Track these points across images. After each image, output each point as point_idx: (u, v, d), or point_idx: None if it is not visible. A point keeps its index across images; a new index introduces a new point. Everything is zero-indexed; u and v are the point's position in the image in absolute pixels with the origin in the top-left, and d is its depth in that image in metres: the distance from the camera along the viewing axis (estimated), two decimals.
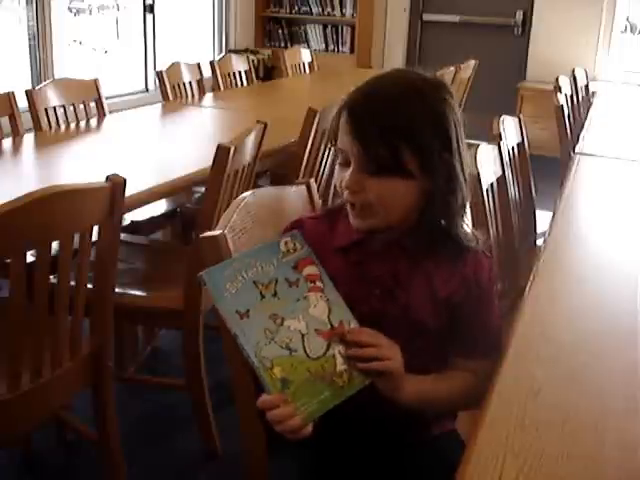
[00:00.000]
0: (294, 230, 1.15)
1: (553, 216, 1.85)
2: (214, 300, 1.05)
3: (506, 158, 2.13)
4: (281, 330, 1.04)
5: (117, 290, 1.82)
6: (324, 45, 6.31)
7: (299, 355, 1.04)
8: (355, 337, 1.06)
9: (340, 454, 1.22)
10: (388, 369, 1.06)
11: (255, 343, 1.02)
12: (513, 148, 2.32)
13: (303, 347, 1.04)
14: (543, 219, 2.27)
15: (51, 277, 1.50)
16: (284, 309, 1.06)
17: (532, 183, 2.46)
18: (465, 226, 1.17)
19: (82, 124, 2.88)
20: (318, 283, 1.09)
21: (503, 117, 2.26)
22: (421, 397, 1.12)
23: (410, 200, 1.09)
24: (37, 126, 2.67)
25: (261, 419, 1.26)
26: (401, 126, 1.05)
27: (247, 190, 1.80)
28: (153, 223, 2.70)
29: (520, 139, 2.42)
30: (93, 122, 2.93)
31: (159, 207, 2.68)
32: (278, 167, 2.78)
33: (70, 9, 4.85)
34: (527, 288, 1.37)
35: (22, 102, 2.65)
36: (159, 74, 3.48)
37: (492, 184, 1.90)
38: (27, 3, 4.28)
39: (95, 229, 1.58)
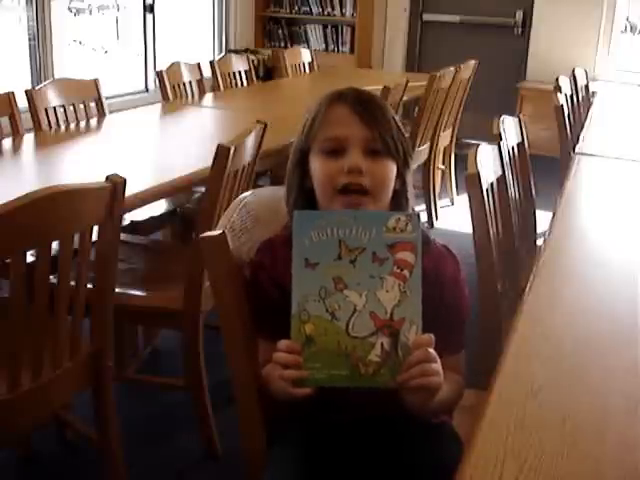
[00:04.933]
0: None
1: (553, 216, 1.85)
2: (293, 241, 1.03)
3: (506, 158, 2.13)
4: (336, 296, 1.02)
5: (117, 290, 1.82)
6: (324, 45, 6.31)
7: (339, 325, 1.02)
8: (416, 345, 1.03)
9: (333, 444, 1.22)
10: (430, 386, 1.04)
11: (304, 294, 1.02)
12: (513, 148, 2.31)
13: (348, 321, 1.02)
14: (543, 219, 2.27)
15: (51, 277, 1.50)
16: (352, 279, 1.02)
17: (532, 183, 2.46)
18: None
19: (82, 124, 2.88)
20: (405, 272, 1.03)
21: (503, 117, 2.26)
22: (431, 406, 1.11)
23: (393, 182, 1.20)
24: (37, 126, 2.67)
25: (261, 409, 1.26)
26: (393, 116, 1.21)
27: (247, 190, 1.80)
28: (153, 223, 2.70)
29: (520, 139, 2.42)
30: (93, 122, 2.93)
31: (159, 207, 2.68)
32: (278, 167, 2.78)
33: (70, 9, 4.85)
34: (527, 288, 1.37)
35: (22, 102, 2.65)
36: (159, 74, 3.48)
37: (492, 184, 1.90)
38: (27, 3, 4.28)
39: (95, 229, 1.58)
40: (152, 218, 2.62)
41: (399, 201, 1.22)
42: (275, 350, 1.05)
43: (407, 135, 1.24)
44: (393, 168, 1.19)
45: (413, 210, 1.25)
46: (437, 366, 1.04)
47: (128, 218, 2.40)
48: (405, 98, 3.47)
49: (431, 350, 1.03)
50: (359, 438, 1.22)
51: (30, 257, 1.49)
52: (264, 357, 1.21)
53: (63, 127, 2.80)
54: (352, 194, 1.15)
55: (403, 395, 1.06)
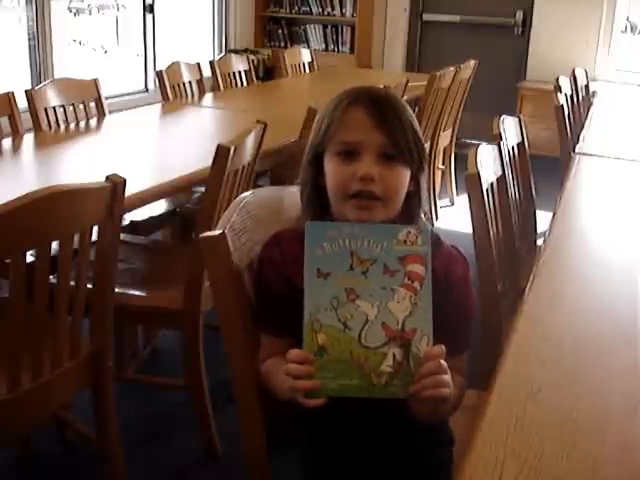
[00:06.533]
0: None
1: (553, 216, 1.85)
2: (305, 250, 1.03)
3: (506, 158, 2.13)
4: (349, 306, 1.02)
5: (117, 290, 1.82)
6: (324, 45, 6.31)
7: (351, 335, 1.02)
8: (428, 357, 1.03)
9: (334, 443, 1.22)
10: (441, 397, 1.04)
11: (316, 304, 1.02)
12: (513, 148, 2.31)
13: (360, 331, 1.02)
14: (543, 219, 2.27)
15: (51, 277, 1.50)
16: (364, 289, 1.03)
17: (532, 183, 2.46)
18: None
19: (82, 124, 2.88)
20: (416, 284, 1.04)
21: (503, 117, 2.26)
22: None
23: (405, 188, 1.19)
24: (37, 126, 2.67)
25: (263, 416, 1.26)
26: (410, 120, 1.18)
27: (247, 190, 1.80)
28: (153, 223, 2.70)
29: (520, 139, 2.42)
30: (93, 122, 2.93)
31: (159, 207, 2.68)
32: (278, 167, 2.78)
33: (70, 9, 4.85)
34: (527, 288, 1.37)
35: (22, 102, 2.65)
36: (159, 74, 3.48)
37: (492, 184, 1.90)
38: (27, 3, 4.27)
39: (95, 229, 1.58)
40: (152, 218, 2.62)
41: (411, 203, 1.21)
42: (280, 346, 1.05)
43: (422, 137, 1.22)
44: (406, 174, 1.18)
45: (426, 217, 1.24)
46: (448, 378, 1.04)
47: (128, 218, 2.40)
48: (405, 98, 3.46)
49: (442, 362, 1.03)
50: (359, 437, 1.23)
51: (30, 257, 1.49)
52: (266, 352, 1.22)
53: (63, 127, 2.80)
54: (363, 198, 1.15)
55: (412, 405, 1.06)
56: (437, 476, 1.21)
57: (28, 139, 2.57)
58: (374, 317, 1.02)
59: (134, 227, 2.49)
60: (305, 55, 4.95)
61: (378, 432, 1.22)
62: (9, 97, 2.58)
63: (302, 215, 1.23)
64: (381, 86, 1.29)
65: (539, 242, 2.41)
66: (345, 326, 1.02)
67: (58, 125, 2.79)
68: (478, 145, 1.85)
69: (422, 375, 1.02)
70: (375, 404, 1.17)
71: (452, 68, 3.96)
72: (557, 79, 3.46)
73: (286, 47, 6.16)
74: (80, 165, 2.33)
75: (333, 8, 6.20)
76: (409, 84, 3.43)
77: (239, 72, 4.16)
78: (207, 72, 3.87)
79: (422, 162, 1.20)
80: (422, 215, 1.22)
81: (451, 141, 4.44)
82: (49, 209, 1.41)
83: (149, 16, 5.21)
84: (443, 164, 4.48)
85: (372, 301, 1.03)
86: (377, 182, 1.14)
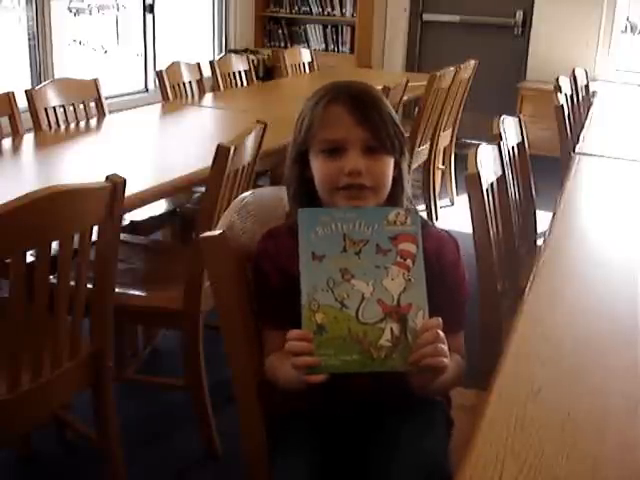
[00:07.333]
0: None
1: (553, 216, 1.85)
2: (299, 236, 1.06)
3: (506, 158, 2.13)
4: (344, 285, 1.05)
5: (117, 290, 1.82)
6: (324, 45, 6.31)
7: (348, 312, 1.04)
8: (425, 328, 1.05)
9: (334, 437, 1.23)
10: (439, 366, 1.06)
11: (313, 285, 1.04)
12: (513, 148, 2.31)
13: (357, 308, 1.04)
14: (543, 219, 2.27)
15: (51, 277, 1.50)
16: (359, 269, 1.06)
17: (532, 183, 2.46)
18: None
19: (82, 124, 2.88)
20: (408, 262, 1.07)
21: (503, 117, 2.26)
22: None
23: (391, 175, 1.23)
24: (37, 126, 2.67)
25: (261, 416, 1.26)
26: (388, 112, 1.22)
27: (247, 190, 1.80)
28: (153, 223, 2.70)
29: (520, 139, 2.42)
30: (93, 122, 2.93)
31: (159, 207, 2.68)
32: (278, 167, 2.78)
33: (70, 9, 4.85)
34: (527, 288, 1.37)
35: (22, 102, 2.65)
36: (159, 74, 3.48)
37: (492, 184, 1.90)
38: (27, 3, 4.27)
39: (95, 229, 1.58)
40: (152, 218, 2.62)
41: (395, 188, 1.25)
42: (282, 339, 1.07)
43: (401, 125, 1.26)
44: (390, 162, 1.22)
45: (411, 202, 1.28)
46: (446, 347, 1.06)
47: (128, 218, 2.40)
48: (405, 98, 3.47)
49: (440, 332, 1.05)
50: (358, 431, 1.24)
51: (30, 257, 1.49)
52: (269, 348, 1.23)
53: (63, 127, 2.80)
54: (353, 190, 1.19)
55: (411, 378, 1.09)
56: (435, 452, 1.21)
57: (28, 139, 2.57)
58: (370, 294, 1.05)
59: (134, 227, 2.49)
60: (305, 55, 4.95)
61: (376, 424, 1.23)
62: (9, 97, 2.58)
63: (291, 211, 1.26)
64: (379, 87, 1.31)
65: (539, 242, 2.41)
66: (342, 305, 1.04)
67: (58, 125, 2.78)
68: (478, 145, 1.85)
69: (420, 345, 1.04)
70: (372, 398, 1.18)
71: (452, 68, 3.95)
72: (557, 79, 3.45)
73: (286, 47, 6.16)
74: (80, 165, 2.33)
75: (333, 8, 6.20)
76: (409, 84, 3.43)
77: (239, 72, 4.16)
78: (207, 72, 3.87)
79: (403, 149, 1.24)
80: (405, 200, 1.26)
81: (451, 141, 4.44)
82: (49, 209, 1.41)
83: (149, 16, 5.21)
84: (443, 164, 4.48)
85: (367, 280, 1.06)
86: (365, 174, 1.18)
